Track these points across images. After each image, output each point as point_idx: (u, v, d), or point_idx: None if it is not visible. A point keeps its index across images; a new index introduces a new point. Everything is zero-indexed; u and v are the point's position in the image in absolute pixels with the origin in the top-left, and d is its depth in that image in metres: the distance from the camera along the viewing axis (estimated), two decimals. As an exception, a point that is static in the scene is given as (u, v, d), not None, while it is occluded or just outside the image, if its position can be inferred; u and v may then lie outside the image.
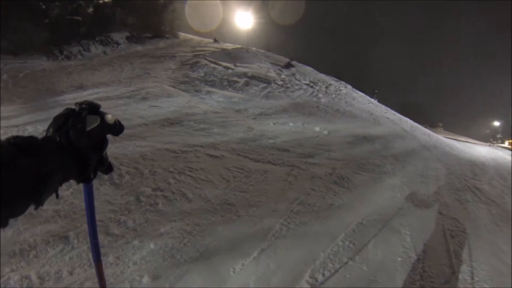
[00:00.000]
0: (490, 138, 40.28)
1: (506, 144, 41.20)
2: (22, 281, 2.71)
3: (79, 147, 0.82)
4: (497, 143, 38.93)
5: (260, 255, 3.43)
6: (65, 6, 17.01)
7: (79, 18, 17.07)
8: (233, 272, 3.11)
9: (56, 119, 0.82)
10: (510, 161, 15.16)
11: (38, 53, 14.16)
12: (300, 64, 18.51)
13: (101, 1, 19.65)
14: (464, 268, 3.89)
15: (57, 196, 0.80)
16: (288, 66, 16.97)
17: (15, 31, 13.61)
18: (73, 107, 0.85)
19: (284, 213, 4.40)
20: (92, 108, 0.86)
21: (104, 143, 0.90)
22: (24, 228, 3.31)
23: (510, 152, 22.70)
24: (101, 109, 0.88)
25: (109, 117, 0.87)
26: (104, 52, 16.19)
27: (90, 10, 18.62)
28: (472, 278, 3.72)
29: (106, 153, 0.93)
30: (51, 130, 0.81)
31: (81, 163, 0.84)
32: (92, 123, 0.84)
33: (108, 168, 0.94)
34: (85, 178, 0.89)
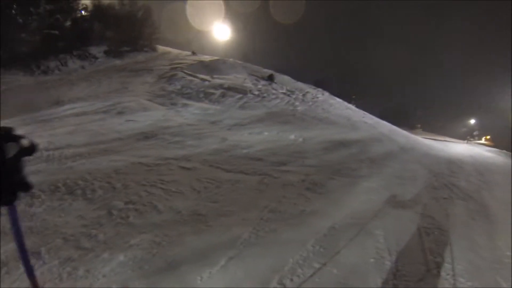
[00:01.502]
0: (467, 135, 41.08)
1: (483, 140, 42.27)
2: (-8, 296, 2.81)
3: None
4: (474, 140, 39.83)
5: (227, 263, 3.50)
6: (42, 20, 16.97)
7: (57, 32, 17.04)
8: (200, 280, 3.20)
9: None
10: (487, 157, 15.54)
11: (15, 68, 14.12)
12: (277, 74, 18.70)
13: (79, 15, 19.64)
14: (440, 264, 3.95)
15: None
16: (269, 78, 17.10)
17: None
18: None
19: (253, 221, 4.47)
20: (9, 135, 0.96)
21: (22, 165, 1.00)
22: (-5, 246, 3.39)
23: (486, 148, 23.33)
24: (16, 133, 0.97)
25: (25, 142, 0.98)
26: (82, 67, 16.19)
27: (68, 24, 18.60)
28: (448, 274, 3.76)
29: (24, 174, 1.03)
30: None
31: (3, 188, 0.94)
32: (11, 151, 0.94)
33: (27, 187, 1.06)
34: (8, 201, 0.99)
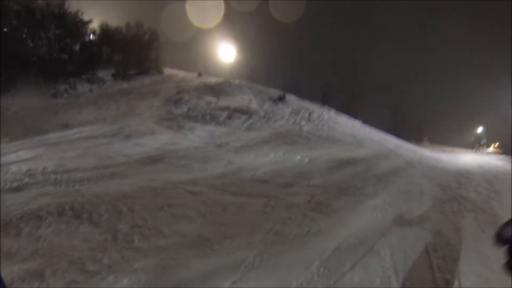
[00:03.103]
0: (476, 144, 40.74)
1: (491, 148, 41.70)
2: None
3: None
4: (483, 148, 39.48)
5: (231, 286, 3.52)
6: (52, 44, 17.30)
7: (66, 56, 17.33)
8: (204, 303, 3.24)
9: None
10: (495, 165, 15.31)
11: (26, 91, 14.33)
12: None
13: (87, 39, 20.00)
14: (449, 280, 3.94)
15: None
16: (280, 100, 17.07)
17: (4, 69, 13.89)
18: None
19: (258, 244, 4.48)
20: None
21: None
22: (2, 266, 3.44)
23: (495, 156, 22.79)
24: None
25: None
26: (91, 90, 16.38)
27: (77, 48, 18.94)
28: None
29: None
30: None
31: None
32: None
33: None
34: None
